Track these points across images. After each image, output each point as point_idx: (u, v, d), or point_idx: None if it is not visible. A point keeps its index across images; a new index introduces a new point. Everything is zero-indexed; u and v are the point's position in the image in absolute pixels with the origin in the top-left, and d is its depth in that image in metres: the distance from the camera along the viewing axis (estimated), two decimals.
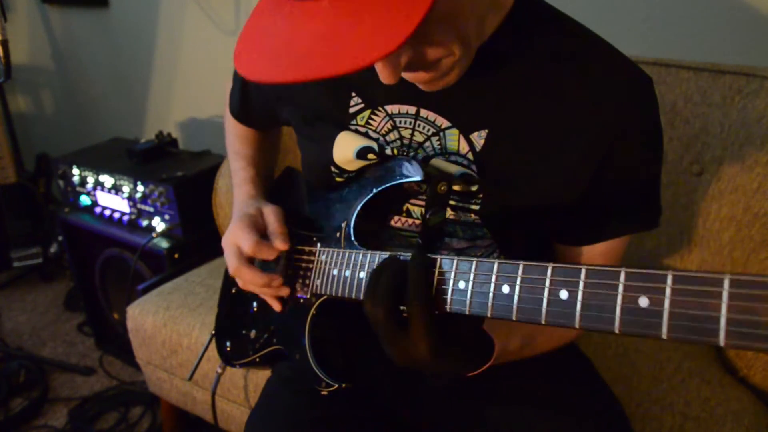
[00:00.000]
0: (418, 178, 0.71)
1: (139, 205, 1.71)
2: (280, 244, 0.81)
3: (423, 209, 0.77)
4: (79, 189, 1.84)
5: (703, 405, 0.98)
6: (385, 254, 0.67)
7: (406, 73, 0.62)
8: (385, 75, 0.56)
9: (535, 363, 0.82)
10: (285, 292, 0.82)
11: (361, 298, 0.68)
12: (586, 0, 1.39)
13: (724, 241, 1.14)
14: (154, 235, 1.64)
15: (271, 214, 0.85)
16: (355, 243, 0.74)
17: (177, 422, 1.57)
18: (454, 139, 0.73)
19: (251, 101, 0.96)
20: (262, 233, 0.83)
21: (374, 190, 0.75)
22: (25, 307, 2.32)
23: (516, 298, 0.52)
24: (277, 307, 0.84)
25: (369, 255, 0.69)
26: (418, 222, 0.78)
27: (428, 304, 0.56)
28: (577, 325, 0.47)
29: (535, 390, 0.78)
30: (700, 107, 1.16)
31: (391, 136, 0.76)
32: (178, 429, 1.59)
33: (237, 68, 0.56)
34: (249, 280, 0.81)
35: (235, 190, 0.97)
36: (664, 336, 0.42)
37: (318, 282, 0.78)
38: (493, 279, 0.54)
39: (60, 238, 2.01)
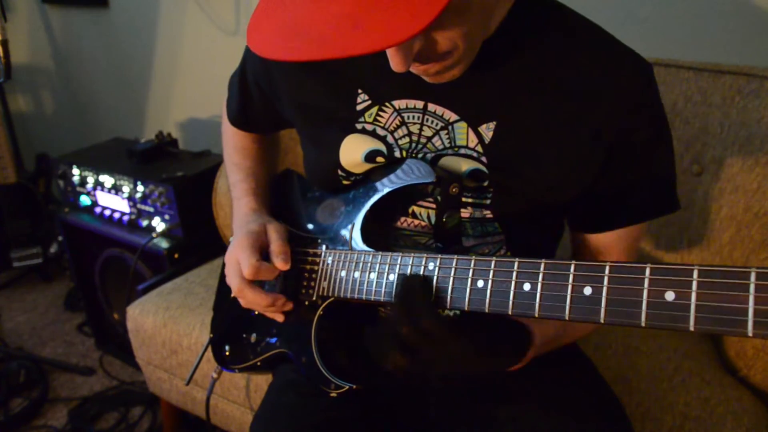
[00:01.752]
0: (429, 180, 0.71)
1: (139, 205, 1.71)
2: (281, 264, 0.80)
3: (429, 211, 0.77)
4: (79, 189, 1.84)
5: (703, 405, 0.98)
6: (397, 255, 0.67)
7: (414, 66, 0.62)
8: (396, 62, 0.56)
9: (537, 363, 0.82)
10: (288, 306, 0.81)
11: (378, 300, 0.69)
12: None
13: (724, 241, 1.14)
14: (154, 235, 1.64)
15: (273, 232, 0.83)
16: (363, 244, 0.74)
17: (177, 422, 1.57)
18: (462, 133, 0.73)
19: (252, 104, 0.94)
20: (264, 251, 0.82)
21: (384, 191, 0.75)
22: (25, 307, 2.32)
23: (538, 295, 0.53)
24: (279, 319, 0.83)
25: (380, 256, 0.69)
26: (423, 224, 0.78)
27: (434, 321, 0.59)
28: (602, 320, 0.48)
29: (537, 390, 0.78)
30: (700, 107, 1.16)
31: (400, 132, 0.76)
32: (178, 429, 1.59)
33: (250, 45, 0.56)
34: (252, 300, 0.80)
35: (235, 203, 0.95)
36: (691, 328, 0.43)
37: (325, 284, 0.78)
38: (514, 277, 0.55)
39: (60, 238, 2.01)
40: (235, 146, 1.02)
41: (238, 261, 0.80)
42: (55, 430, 1.71)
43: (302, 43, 0.51)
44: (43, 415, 1.77)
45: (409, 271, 0.65)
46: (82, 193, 1.84)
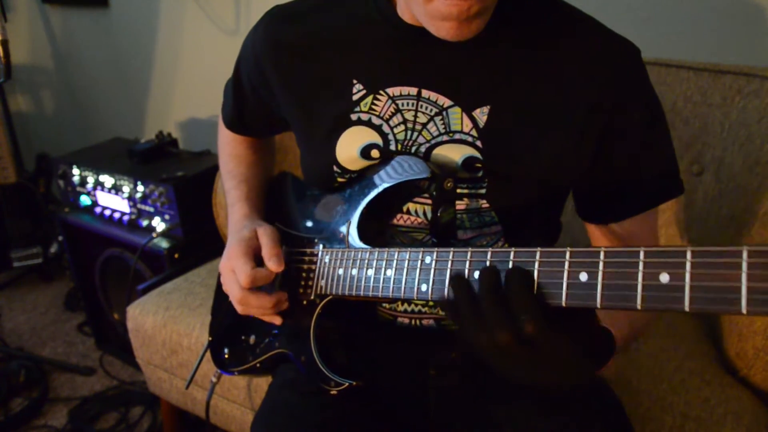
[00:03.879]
0: (424, 176, 0.72)
1: (139, 205, 1.71)
2: (274, 267, 0.79)
3: (425, 207, 0.77)
4: (79, 189, 1.84)
5: (703, 405, 0.98)
6: (394, 251, 0.67)
7: (457, 1, 0.60)
8: None
9: None
10: (286, 305, 0.81)
11: (377, 296, 0.67)
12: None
13: (725, 241, 1.14)
14: (154, 235, 1.64)
15: (264, 236, 0.82)
16: (360, 242, 0.75)
17: (177, 422, 1.57)
18: (457, 118, 0.74)
19: (248, 106, 0.95)
20: (258, 255, 0.82)
21: (380, 188, 0.75)
22: (25, 307, 2.32)
23: (535, 283, 0.53)
24: (277, 322, 0.83)
25: (377, 252, 0.70)
26: (419, 220, 0.78)
27: (543, 322, 0.51)
28: (598, 305, 0.49)
29: (537, 391, 0.78)
30: (700, 107, 1.16)
31: (395, 120, 0.76)
32: (178, 429, 1.59)
33: None
34: (256, 305, 0.80)
35: (229, 210, 0.95)
36: (687, 309, 0.44)
37: (323, 283, 0.78)
38: (510, 266, 0.55)
39: (60, 238, 2.01)
40: (230, 154, 1.02)
41: (233, 270, 0.80)
42: (55, 430, 1.72)
43: None
44: (43, 415, 1.77)
45: (406, 266, 0.65)
46: (82, 193, 1.84)
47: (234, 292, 0.80)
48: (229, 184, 0.99)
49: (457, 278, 0.57)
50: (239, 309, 0.82)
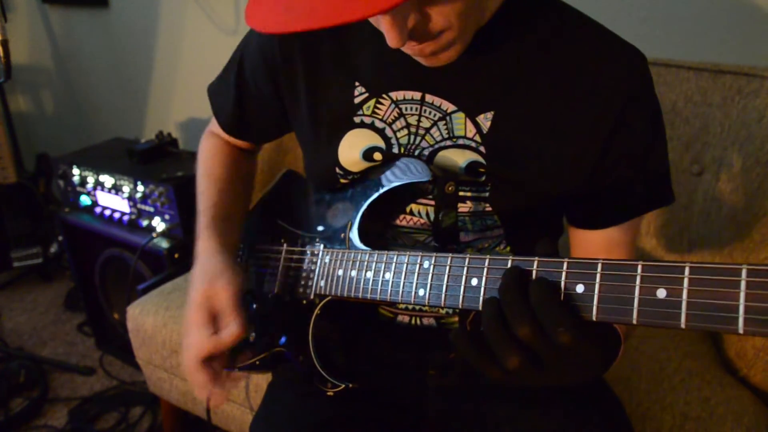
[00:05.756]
0: (425, 179, 0.72)
1: (139, 205, 1.71)
2: (235, 333, 0.74)
3: (428, 208, 0.77)
4: (79, 189, 1.84)
5: (703, 405, 0.98)
6: (393, 254, 0.67)
7: (409, 45, 0.61)
8: (392, 36, 0.56)
9: None
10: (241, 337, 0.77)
11: (375, 298, 0.67)
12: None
13: (724, 241, 1.14)
14: (154, 235, 1.64)
15: (223, 297, 0.76)
16: (361, 243, 0.75)
17: (177, 422, 1.57)
18: (460, 123, 0.73)
19: (250, 105, 0.93)
20: (218, 313, 0.77)
21: (381, 190, 0.75)
22: (25, 307, 2.32)
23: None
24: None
25: (376, 255, 0.70)
26: (422, 221, 0.78)
27: (576, 327, 0.49)
28: (594, 317, 0.48)
29: (537, 390, 0.78)
30: (700, 107, 1.16)
31: (398, 124, 0.76)
32: (178, 429, 1.59)
33: (249, 23, 0.56)
34: (195, 381, 0.77)
35: (197, 241, 0.88)
36: (683, 326, 0.43)
37: (322, 283, 0.78)
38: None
39: (60, 238, 2.01)
40: (205, 173, 0.96)
41: (189, 342, 0.76)
42: (55, 430, 1.71)
43: (293, 16, 0.51)
44: (43, 415, 1.77)
45: (404, 270, 0.65)
46: (82, 193, 1.84)
47: (188, 358, 0.77)
48: (200, 207, 0.92)
49: (515, 279, 0.53)
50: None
